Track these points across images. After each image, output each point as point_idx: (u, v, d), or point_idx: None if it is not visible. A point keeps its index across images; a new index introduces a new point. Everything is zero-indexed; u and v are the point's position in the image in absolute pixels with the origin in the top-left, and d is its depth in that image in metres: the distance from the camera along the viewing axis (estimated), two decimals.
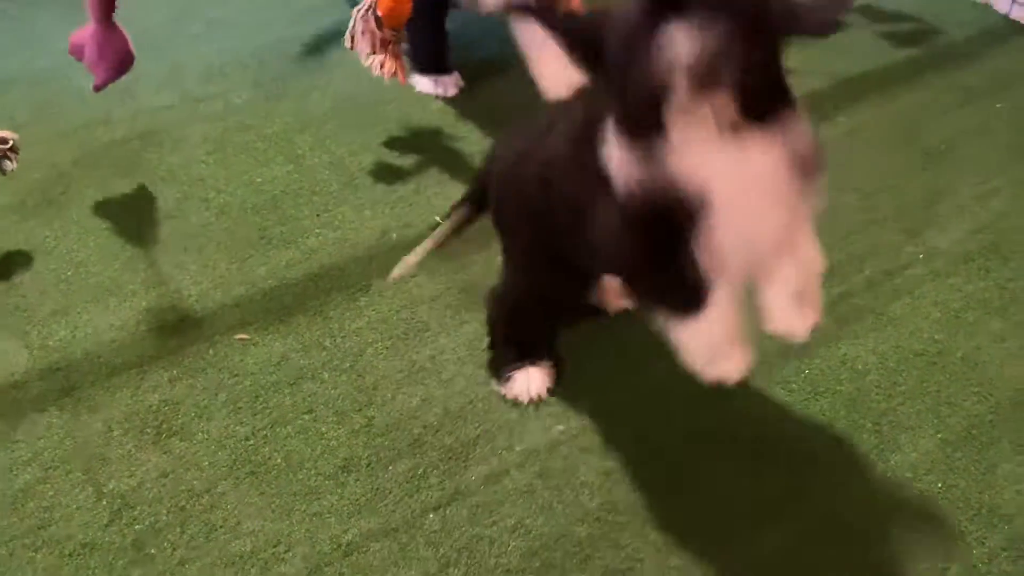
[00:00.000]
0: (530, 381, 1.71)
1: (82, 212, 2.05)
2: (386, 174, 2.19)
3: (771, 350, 1.83)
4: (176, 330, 1.81)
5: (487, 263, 1.99)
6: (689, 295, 1.35)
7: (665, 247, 1.29)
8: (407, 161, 2.23)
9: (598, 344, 1.83)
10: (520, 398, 1.71)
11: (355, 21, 2.09)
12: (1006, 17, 2.95)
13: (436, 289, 1.93)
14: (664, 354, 1.78)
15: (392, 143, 2.28)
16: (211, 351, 1.77)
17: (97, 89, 2.00)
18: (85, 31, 1.96)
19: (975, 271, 2.06)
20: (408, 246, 2.00)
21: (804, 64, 2.62)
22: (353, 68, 2.49)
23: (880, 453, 1.67)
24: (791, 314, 1.41)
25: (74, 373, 1.74)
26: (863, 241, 2.11)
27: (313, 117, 2.34)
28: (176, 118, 2.29)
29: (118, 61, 1.97)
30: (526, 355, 1.71)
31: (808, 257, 1.41)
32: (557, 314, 1.72)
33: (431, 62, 2.37)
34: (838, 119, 2.47)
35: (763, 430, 1.70)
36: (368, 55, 2.10)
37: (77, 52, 2.00)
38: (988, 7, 2.99)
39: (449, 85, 2.38)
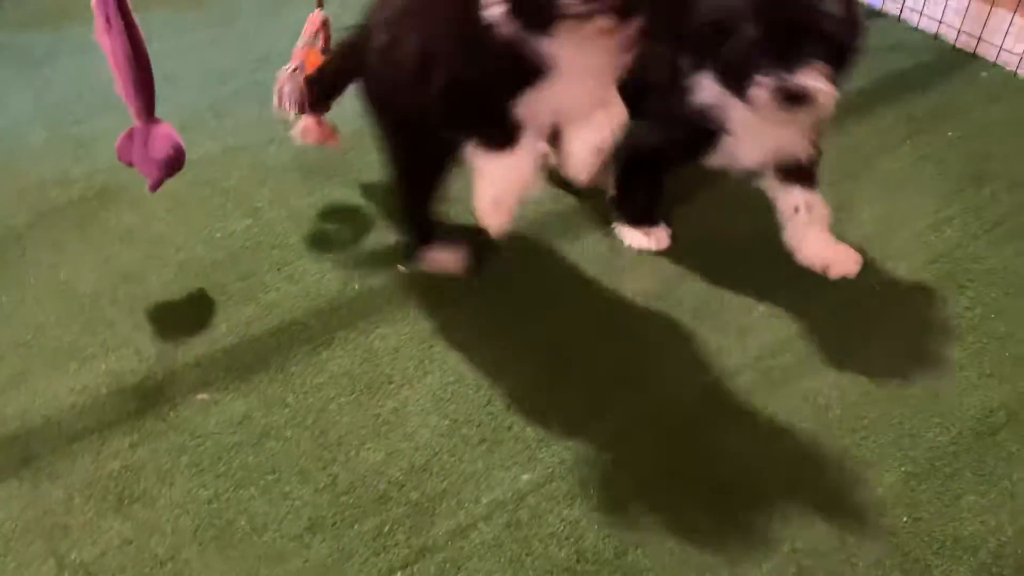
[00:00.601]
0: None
1: (39, 274, 2.03)
2: (347, 224, 2.19)
3: (738, 387, 1.85)
4: (137, 392, 1.80)
5: (449, 311, 1.99)
6: (505, 134, 1.69)
7: (505, 88, 1.65)
8: (368, 211, 2.23)
9: (559, 390, 1.84)
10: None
11: (281, 81, 2.03)
12: (953, 46, 3.00)
13: (398, 340, 1.93)
14: (625, 399, 1.80)
15: (352, 193, 2.28)
16: (172, 413, 1.76)
17: (152, 189, 1.91)
18: (127, 133, 1.89)
19: (932, 300, 2.08)
20: (371, 296, 2.02)
21: None
22: None
23: (846, 490, 1.69)
24: (587, 161, 1.76)
25: (34, 441, 1.71)
26: (820, 275, 2.13)
27: (272, 169, 2.34)
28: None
29: (168, 157, 1.88)
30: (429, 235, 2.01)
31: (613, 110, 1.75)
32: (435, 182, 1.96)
33: (643, 215, 2.21)
34: None
35: (727, 470, 1.71)
36: (296, 117, 2.06)
37: (125, 156, 1.91)
38: (936, 36, 3.04)
39: (662, 238, 2.22)
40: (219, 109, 2.53)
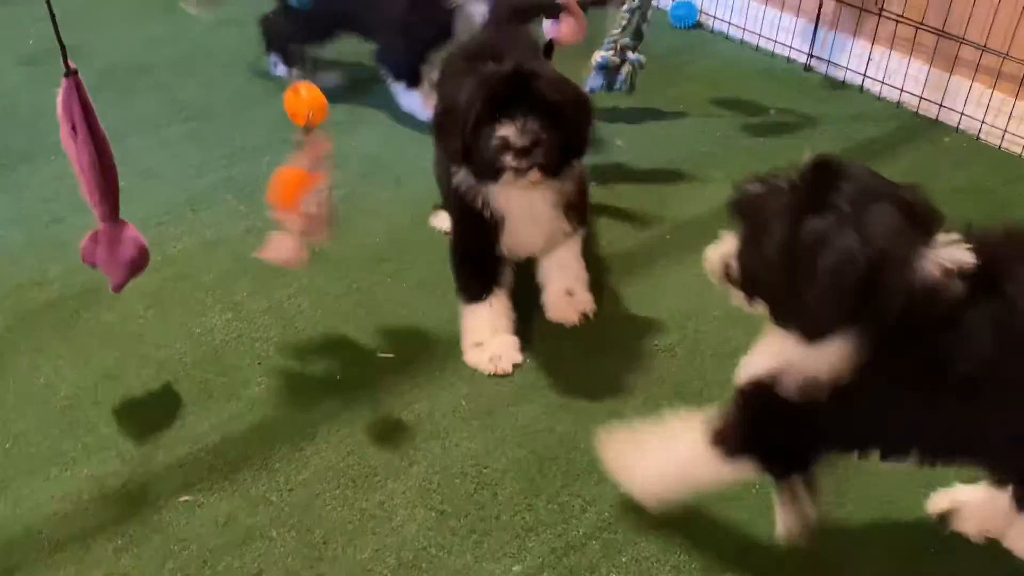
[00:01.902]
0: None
1: (19, 379, 2.02)
2: (327, 315, 2.20)
3: None
4: (120, 497, 1.78)
5: (431, 399, 1.99)
6: (480, 283, 2.10)
7: (479, 239, 2.07)
8: (348, 299, 2.24)
9: (546, 477, 1.84)
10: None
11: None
12: (915, 113, 3.07)
13: (382, 430, 1.92)
14: (612, 486, 1.80)
15: (333, 283, 2.29)
16: (156, 517, 1.74)
17: (115, 290, 1.91)
18: (92, 234, 1.88)
19: None
20: (352, 387, 2.02)
21: (732, 174, 2.70)
22: None
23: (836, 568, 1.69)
24: (564, 306, 2.19)
25: (15, 552, 1.69)
26: None
27: (251, 262, 2.34)
28: None
29: (132, 258, 1.87)
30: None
31: (575, 268, 2.20)
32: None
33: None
34: None
35: (718, 550, 1.70)
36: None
37: (89, 257, 1.90)
38: (899, 104, 3.12)
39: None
40: (196, 203, 2.55)
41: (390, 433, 1.92)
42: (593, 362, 2.10)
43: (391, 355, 2.10)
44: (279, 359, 2.08)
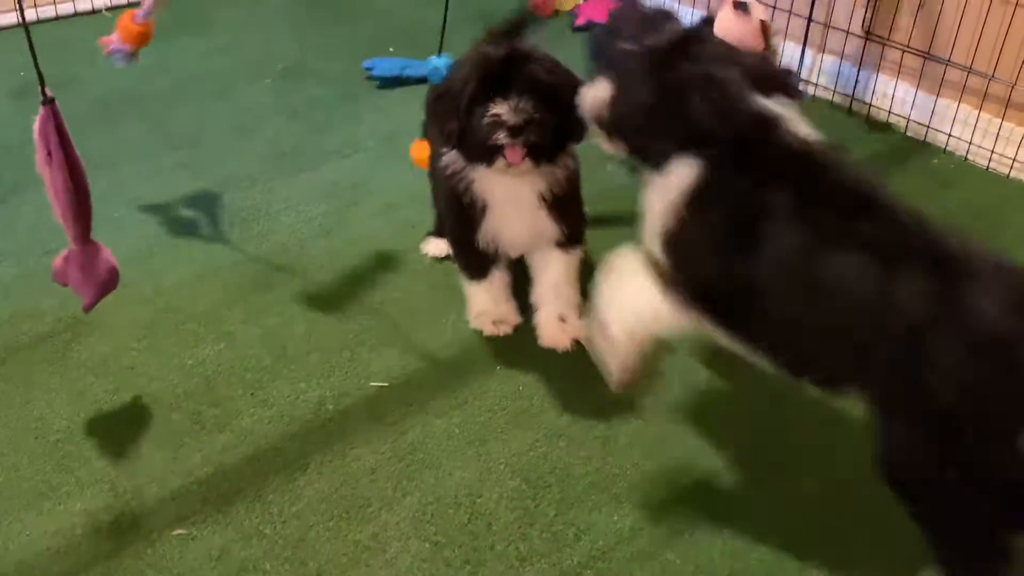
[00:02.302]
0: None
1: (11, 412, 2.02)
2: (319, 343, 2.20)
3: (723, 487, 1.85)
4: (113, 531, 1.77)
5: (424, 427, 2.00)
6: (476, 265, 2.18)
7: (465, 226, 2.11)
8: (340, 328, 2.25)
9: (539, 505, 1.84)
10: None
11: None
12: (904, 135, 3.09)
13: (375, 460, 1.92)
14: (606, 514, 1.80)
15: (324, 311, 2.30)
16: (149, 551, 1.74)
17: (86, 310, 1.99)
18: (64, 254, 1.95)
19: None
20: (345, 416, 2.02)
21: None
22: (279, 237, 2.53)
23: None
24: (556, 332, 2.19)
25: None
26: None
27: (243, 291, 2.36)
28: (104, 306, 2.25)
29: (103, 279, 1.96)
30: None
31: (569, 293, 2.19)
32: None
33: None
34: None
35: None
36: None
37: (61, 277, 1.97)
38: (888, 126, 3.14)
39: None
40: (188, 233, 2.55)
41: (383, 463, 1.92)
42: (586, 387, 2.10)
43: (384, 383, 2.10)
44: (271, 389, 2.08)
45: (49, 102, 1.79)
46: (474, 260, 2.18)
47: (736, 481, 1.89)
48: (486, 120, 1.94)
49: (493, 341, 2.22)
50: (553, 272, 2.18)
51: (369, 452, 1.94)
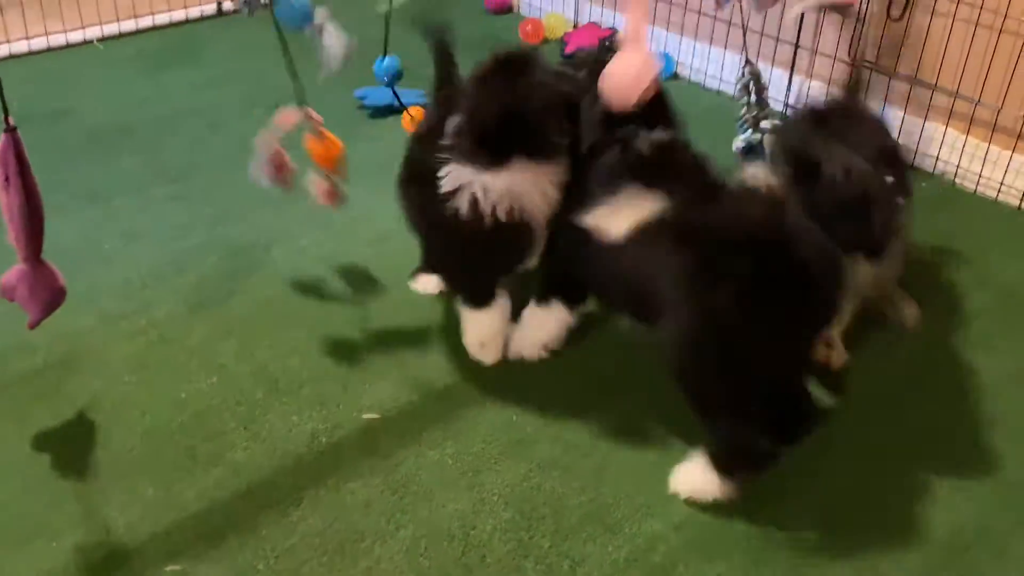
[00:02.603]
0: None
1: (3, 448, 2.01)
2: (312, 375, 2.20)
3: (705, 526, 1.85)
4: (106, 568, 1.77)
5: (417, 459, 2.00)
6: (478, 297, 2.19)
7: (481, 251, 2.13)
8: (332, 360, 2.25)
9: (533, 538, 1.84)
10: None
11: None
12: None
13: (369, 493, 1.92)
14: (600, 546, 1.79)
15: (316, 343, 2.30)
16: None
17: (31, 326, 2.03)
18: (14, 271, 1.99)
19: (891, 415, 2.12)
20: (338, 449, 2.02)
21: None
22: (273, 269, 2.54)
23: None
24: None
25: None
26: None
27: (235, 323, 2.36)
28: (96, 339, 2.29)
29: (50, 297, 2.01)
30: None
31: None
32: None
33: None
34: None
35: None
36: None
37: (9, 293, 2.02)
38: None
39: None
40: (181, 265, 2.55)
41: (377, 496, 1.92)
42: (579, 418, 2.10)
43: (377, 415, 2.10)
44: (264, 423, 2.08)
45: (11, 130, 1.87)
46: (481, 288, 2.20)
47: (728, 511, 1.89)
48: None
49: (485, 372, 2.22)
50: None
51: (362, 485, 1.94)
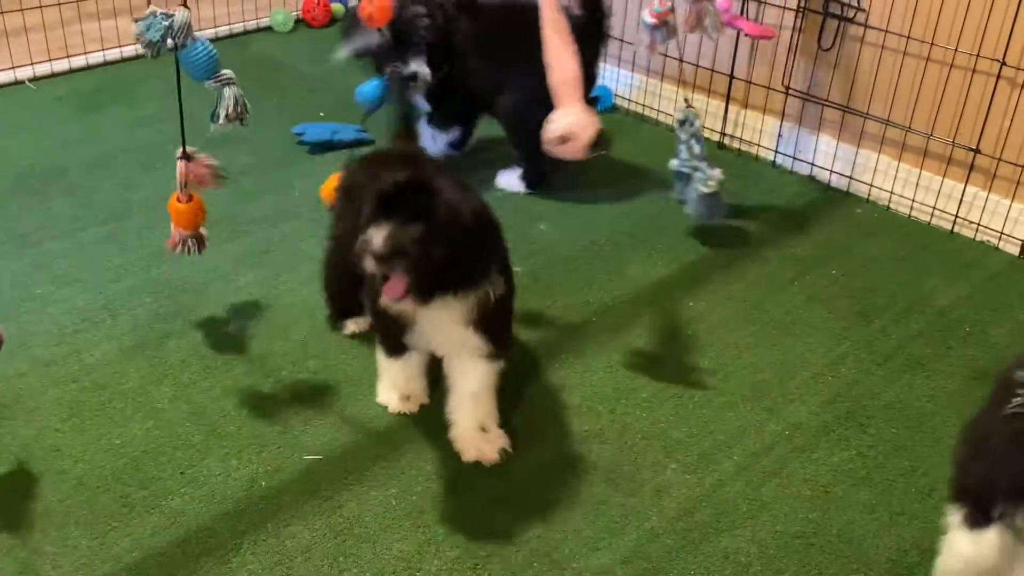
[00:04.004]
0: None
1: None
2: (251, 418, 2.16)
3: (659, 550, 1.84)
4: None
5: (360, 500, 1.96)
6: (394, 345, 2.14)
7: (392, 325, 2.04)
8: (270, 401, 2.21)
9: None
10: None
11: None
12: (827, 186, 3.16)
13: (311, 537, 1.88)
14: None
15: (255, 384, 2.26)
16: None
17: None
18: None
19: (836, 442, 2.13)
20: (278, 492, 1.98)
21: (647, 256, 2.74)
22: (209, 310, 2.49)
23: None
24: (480, 443, 2.07)
25: None
26: (726, 425, 2.17)
27: (171, 366, 2.31)
28: (27, 386, 2.22)
29: None
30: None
31: (487, 403, 2.09)
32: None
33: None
34: (687, 303, 2.57)
35: None
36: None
37: None
38: (811, 178, 3.20)
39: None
40: (114, 308, 2.50)
41: (319, 539, 1.87)
42: (524, 452, 2.09)
43: (318, 456, 2.07)
44: (202, 467, 2.03)
45: None
46: (392, 341, 2.13)
47: (673, 543, 1.88)
48: (358, 244, 1.82)
49: (426, 410, 2.19)
50: (472, 381, 2.06)
51: (304, 529, 1.90)
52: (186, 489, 1.98)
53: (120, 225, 2.84)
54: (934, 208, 2.96)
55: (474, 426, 2.08)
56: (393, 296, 1.84)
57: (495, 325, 2.01)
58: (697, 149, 2.73)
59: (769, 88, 3.22)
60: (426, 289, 1.85)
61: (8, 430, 2.12)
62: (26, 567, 1.81)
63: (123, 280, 2.60)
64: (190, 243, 2.34)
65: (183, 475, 2.01)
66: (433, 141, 3.18)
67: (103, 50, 3.83)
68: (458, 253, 1.83)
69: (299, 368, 2.31)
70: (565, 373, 2.32)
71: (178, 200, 2.29)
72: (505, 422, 2.15)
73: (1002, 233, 2.85)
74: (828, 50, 3.06)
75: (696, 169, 2.72)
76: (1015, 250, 2.83)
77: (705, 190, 2.69)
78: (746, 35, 2.99)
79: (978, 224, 2.88)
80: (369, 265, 1.81)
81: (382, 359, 2.18)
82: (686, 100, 2.79)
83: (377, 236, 1.79)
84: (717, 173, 2.71)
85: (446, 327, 1.98)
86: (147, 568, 1.81)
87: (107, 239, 2.78)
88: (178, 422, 2.15)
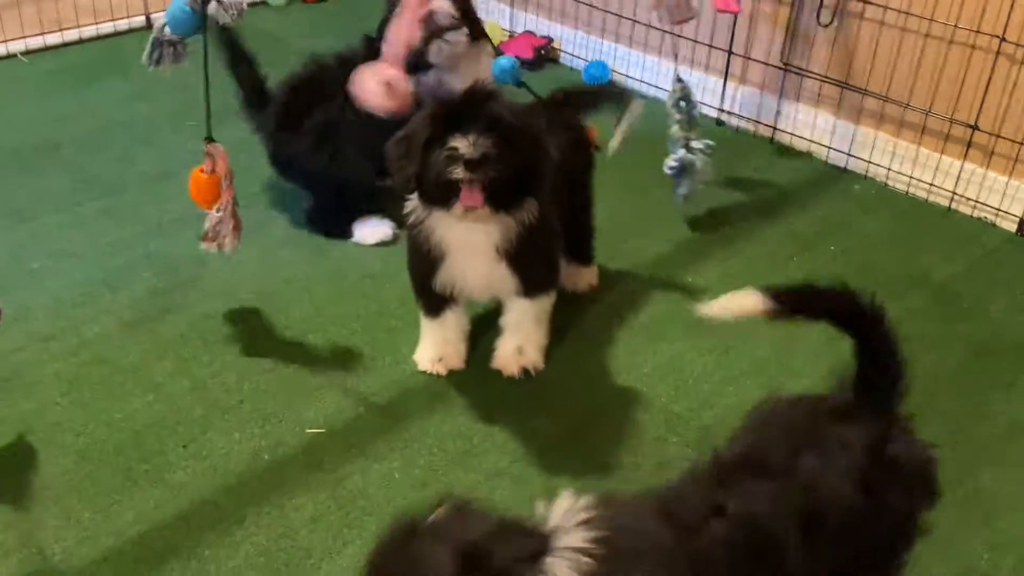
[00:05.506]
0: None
1: None
2: (252, 392, 2.16)
3: None
4: None
5: (363, 473, 1.96)
6: (431, 304, 2.18)
7: (423, 268, 2.11)
8: (272, 375, 2.21)
9: None
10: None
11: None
12: (825, 163, 3.16)
13: (315, 509, 1.88)
14: None
15: (255, 358, 2.25)
16: None
17: None
18: None
19: None
20: (281, 465, 1.98)
21: (647, 232, 2.74)
22: (208, 284, 2.48)
23: None
24: (508, 358, 2.21)
25: None
26: (725, 400, 2.18)
27: (171, 341, 2.30)
28: (26, 360, 2.21)
29: None
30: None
31: (531, 331, 2.20)
32: None
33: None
34: (685, 280, 2.57)
35: None
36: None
37: None
38: (810, 155, 3.20)
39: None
40: (113, 282, 2.49)
41: (323, 511, 1.88)
42: (527, 427, 2.09)
43: (321, 429, 2.07)
44: (204, 441, 2.03)
45: None
46: (429, 298, 2.17)
47: None
48: (443, 155, 1.87)
49: (432, 383, 2.20)
50: (516, 314, 2.18)
51: (308, 500, 1.90)
52: (188, 463, 1.98)
53: (117, 199, 2.83)
54: (932, 185, 2.96)
55: (512, 346, 2.21)
56: (474, 203, 1.91)
57: (527, 261, 2.06)
58: (687, 119, 2.72)
59: (767, 64, 3.22)
60: (499, 197, 1.93)
61: (8, 404, 2.11)
62: (28, 541, 1.81)
63: (122, 254, 2.59)
64: (224, 238, 2.29)
65: (185, 448, 2.01)
66: None
67: (96, 23, 3.79)
68: (525, 164, 1.93)
69: (300, 342, 2.31)
70: (565, 349, 2.32)
71: (201, 171, 2.27)
72: (507, 397, 2.16)
73: (999, 210, 2.86)
74: (827, 26, 3.05)
75: (689, 140, 2.71)
76: (1012, 227, 2.84)
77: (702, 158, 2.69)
78: (713, 7, 2.93)
79: (976, 201, 2.89)
80: (459, 172, 1.87)
81: (422, 318, 2.21)
82: (679, 78, 2.76)
83: (466, 144, 1.85)
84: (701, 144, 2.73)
85: (478, 260, 2.04)
86: (151, 541, 1.81)
87: (104, 213, 2.76)
88: (179, 396, 2.14)
